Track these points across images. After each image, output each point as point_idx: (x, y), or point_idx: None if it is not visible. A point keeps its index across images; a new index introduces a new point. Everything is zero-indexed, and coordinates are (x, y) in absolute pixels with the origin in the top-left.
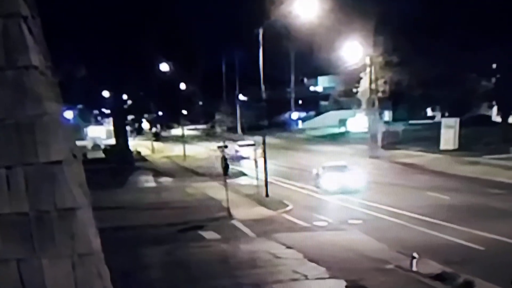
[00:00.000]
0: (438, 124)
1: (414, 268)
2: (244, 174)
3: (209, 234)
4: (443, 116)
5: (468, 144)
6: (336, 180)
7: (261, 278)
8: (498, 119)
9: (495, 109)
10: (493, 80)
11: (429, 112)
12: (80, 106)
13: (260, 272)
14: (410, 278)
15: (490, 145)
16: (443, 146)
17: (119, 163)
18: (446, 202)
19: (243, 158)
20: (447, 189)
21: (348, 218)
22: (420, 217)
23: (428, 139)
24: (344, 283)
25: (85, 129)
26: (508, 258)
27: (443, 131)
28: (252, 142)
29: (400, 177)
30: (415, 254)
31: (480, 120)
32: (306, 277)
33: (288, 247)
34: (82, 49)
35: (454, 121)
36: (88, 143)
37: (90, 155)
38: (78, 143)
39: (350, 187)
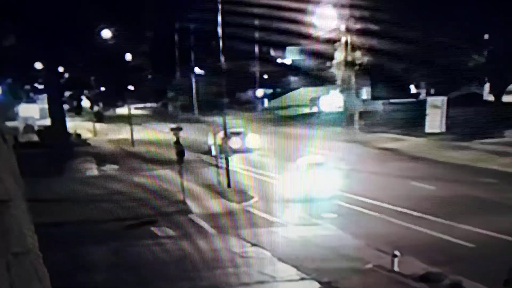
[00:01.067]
0: (423, 103)
1: (396, 268)
2: (203, 161)
3: (162, 231)
4: (428, 94)
5: (456, 127)
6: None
7: (223, 280)
8: (490, 97)
9: (487, 86)
10: (485, 52)
11: (412, 89)
12: (8, 80)
13: (222, 273)
14: (391, 279)
15: (482, 128)
16: (428, 128)
17: (56, 147)
18: (432, 193)
19: (234, 151)
20: (433, 178)
21: (321, 211)
22: (403, 210)
23: (412, 120)
24: (317, 285)
25: (15, 108)
26: (501, 257)
27: (428, 111)
28: (241, 129)
29: (379, 165)
30: (396, 252)
31: (471, 99)
32: (274, 279)
33: (254, 245)
34: (8, 13)
35: (441, 100)
36: (19, 124)
37: (22, 139)
38: (8, 123)
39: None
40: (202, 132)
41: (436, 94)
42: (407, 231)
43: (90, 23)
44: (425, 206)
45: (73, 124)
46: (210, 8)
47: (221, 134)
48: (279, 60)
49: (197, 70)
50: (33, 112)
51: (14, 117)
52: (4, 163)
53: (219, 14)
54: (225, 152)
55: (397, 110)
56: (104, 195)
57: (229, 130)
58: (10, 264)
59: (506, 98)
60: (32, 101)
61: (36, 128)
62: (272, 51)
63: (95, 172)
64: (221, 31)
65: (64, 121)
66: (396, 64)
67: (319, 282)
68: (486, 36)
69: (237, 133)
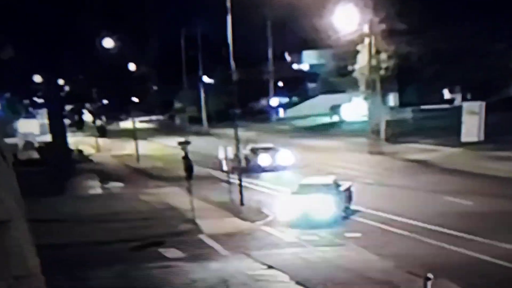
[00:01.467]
0: (458, 109)
1: None
2: (213, 177)
3: (170, 252)
4: (464, 99)
5: (496, 135)
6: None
7: None
8: None
9: None
10: None
11: (446, 94)
12: (7, 94)
13: None
14: None
15: None
16: (464, 137)
17: (57, 165)
18: (469, 209)
19: (263, 170)
20: (469, 192)
21: (344, 230)
22: (436, 228)
23: (445, 129)
24: None
25: (14, 123)
26: None
27: (464, 118)
28: (270, 145)
29: (409, 178)
30: (429, 275)
31: None
32: None
33: (270, 267)
34: (6, 24)
35: (479, 106)
36: (18, 141)
37: (21, 156)
38: (7, 140)
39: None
40: (212, 145)
41: (473, 99)
42: (441, 251)
43: (90, 32)
44: (461, 223)
45: (74, 140)
46: (219, 12)
47: (247, 150)
48: (295, 66)
49: (205, 79)
50: (32, 127)
51: (13, 133)
52: (4, 182)
53: (229, 18)
54: (253, 170)
55: (428, 117)
56: (109, 215)
57: (255, 145)
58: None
59: None
60: (32, 116)
61: (36, 145)
62: (287, 56)
63: (99, 191)
64: (231, 36)
65: (65, 137)
66: (427, 67)
67: None
68: None
69: (266, 149)
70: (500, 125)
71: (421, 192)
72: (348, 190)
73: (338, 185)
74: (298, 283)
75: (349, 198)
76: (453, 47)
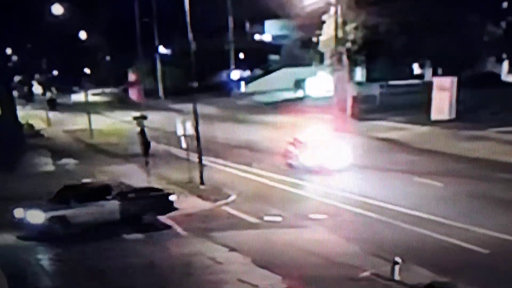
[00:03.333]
0: (429, 85)
1: (397, 277)
2: (172, 155)
3: (128, 233)
4: (435, 74)
5: (469, 113)
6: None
7: None
8: (510, 78)
9: (505, 64)
10: (503, 24)
11: (416, 69)
12: None
13: (197, 281)
14: None
15: (499, 114)
16: (435, 115)
17: (5, 140)
18: (440, 190)
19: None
20: (440, 173)
21: (309, 211)
22: (405, 210)
23: (415, 105)
24: None
25: None
26: None
27: (435, 94)
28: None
29: (377, 158)
30: (398, 259)
31: (486, 80)
32: None
33: (232, 250)
34: None
35: (450, 82)
36: None
37: None
38: None
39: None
40: (169, 121)
41: (444, 74)
42: (410, 235)
43: None
44: (431, 205)
45: (24, 113)
46: None
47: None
48: (256, 37)
49: (162, 49)
50: None
51: None
52: None
53: None
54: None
55: (397, 93)
56: None
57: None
58: None
59: None
60: None
61: None
62: (248, 26)
63: (51, 167)
64: (189, 3)
65: (14, 110)
66: (396, 39)
67: None
68: (505, 4)
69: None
70: (473, 102)
71: (390, 172)
72: None
73: None
74: (261, 266)
75: None
76: (423, 18)
